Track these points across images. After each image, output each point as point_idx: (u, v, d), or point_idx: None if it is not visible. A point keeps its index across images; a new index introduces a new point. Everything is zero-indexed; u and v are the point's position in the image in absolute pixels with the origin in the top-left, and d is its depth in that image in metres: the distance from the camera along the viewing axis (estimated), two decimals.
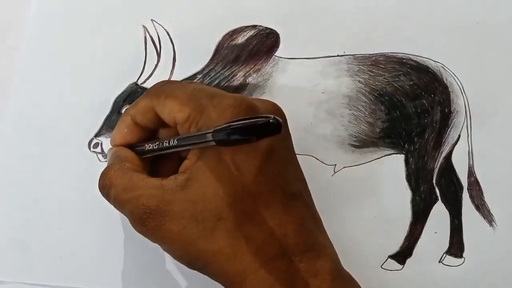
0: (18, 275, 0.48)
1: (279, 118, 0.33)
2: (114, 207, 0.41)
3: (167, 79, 0.51)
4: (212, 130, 0.35)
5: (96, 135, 0.50)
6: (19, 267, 0.48)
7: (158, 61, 0.51)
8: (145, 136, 0.43)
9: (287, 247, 0.36)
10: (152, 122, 0.42)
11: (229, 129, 0.34)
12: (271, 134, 0.33)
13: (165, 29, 0.52)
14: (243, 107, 0.37)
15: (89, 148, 0.50)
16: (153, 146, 0.41)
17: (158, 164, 0.43)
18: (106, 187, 0.40)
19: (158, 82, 0.42)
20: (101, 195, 0.42)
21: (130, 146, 0.43)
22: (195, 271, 0.39)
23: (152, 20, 0.52)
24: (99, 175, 0.42)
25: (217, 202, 0.36)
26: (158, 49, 0.52)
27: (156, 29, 0.52)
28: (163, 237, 0.38)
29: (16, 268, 0.48)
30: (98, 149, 0.50)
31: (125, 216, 0.40)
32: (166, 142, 0.40)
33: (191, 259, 0.38)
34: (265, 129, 0.33)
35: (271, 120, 0.33)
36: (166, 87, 0.41)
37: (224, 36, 0.52)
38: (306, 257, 0.37)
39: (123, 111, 0.50)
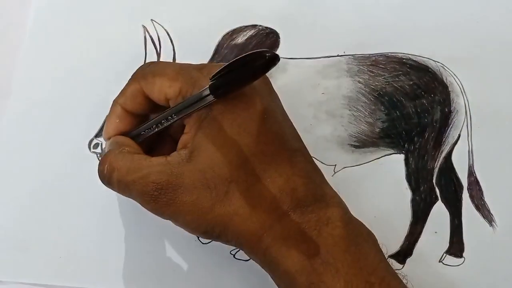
0: (18, 275, 0.48)
1: (274, 53, 0.34)
2: (118, 191, 0.41)
3: None
4: (208, 85, 0.36)
5: (96, 136, 0.50)
6: (19, 267, 0.48)
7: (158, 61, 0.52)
8: (137, 124, 0.43)
9: (298, 200, 0.37)
10: (143, 107, 0.42)
11: (224, 71, 0.36)
12: (269, 66, 0.35)
13: (165, 29, 0.52)
14: None
15: (89, 149, 0.50)
16: (149, 126, 0.41)
17: (152, 149, 0.44)
18: (107, 172, 0.40)
19: (141, 65, 0.43)
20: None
21: (125, 134, 0.43)
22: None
23: (152, 20, 0.52)
24: (98, 163, 0.42)
25: (226, 166, 0.37)
26: (158, 49, 0.52)
27: (156, 29, 0.52)
28: (177, 211, 0.38)
29: (16, 268, 0.48)
30: (98, 150, 0.50)
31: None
32: (162, 117, 0.40)
33: (208, 227, 0.38)
34: (262, 60, 0.35)
35: (267, 54, 0.34)
36: (152, 67, 0.41)
37: (224, 36, 0.52)
38: (316, 207, 0.37)
39: None
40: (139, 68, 0.43)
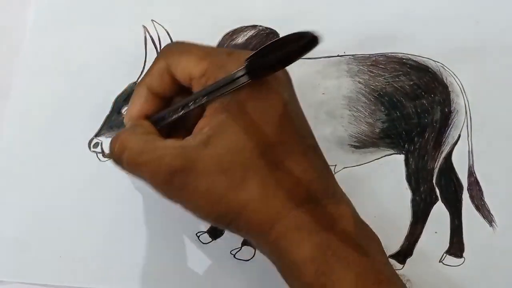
0: (18, 275, 0.48)
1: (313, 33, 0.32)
2: (127, 171, 0.39)
3: None
4: (245, 64, 0.35)
5: (96, 135, 0.50)
6: (19, 267, 0.48)
7: None
8: (161, 108, 0.41)
9: (312, 193, 0.37)
10: (169, 87, 0.40)
11: (260, 54, 0.35)
12: (309, 47, 0.33)
13: (165, 29, 0.52)
14: None
15: (89, 148, 0.50)
16: (175, 108, 0.39)
17: (170, 135, 0.42)
18: (117, 150, 0.39)
19: (169, 43, 0.42)
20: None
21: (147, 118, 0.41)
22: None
23: (152, 20, 0.52)
24: (110, 141, 0.40)
25: (245, 153, 0.36)
26: (159, 49, 0.52)
27: (156, 29, 0.52)
28: (190, 196, 0.37)
29: (16, 268, 0.48)
30: (98, 149, 0.50)
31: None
32: (191, 99, 0.38)
33: (221, 213, 0.37)
34: (302, 41, 0.33)
35: (308, 35, 0.32)
36: (180, 45, 0.40)
37: (224, 36, 0.52)
38: (329, 202, 0.37)
39: (123, 111, 0.50)
40: (166, 46, 0.41)
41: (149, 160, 0.37)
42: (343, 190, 0.40)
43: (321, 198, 0.37)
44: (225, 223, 0.38)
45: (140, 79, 0.42)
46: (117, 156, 0.39)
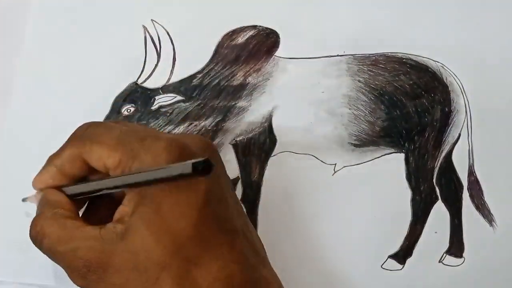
0: (18, 275, 0.48)
1: (211, 161, 0.32)
2: (50, 259, 0.38)
3: (167, 78, 0.51)
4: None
5: None
6: (19, 267, 0.48)
7: (158, 61, 0.51)
8: (71, 183, 0.40)
9: (234, 286, 0.36)
10: (82, 170, 0.39)
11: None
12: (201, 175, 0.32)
13: (165, 29, 0.52)
14: (176, 149, 0.36)
15: None
16: (87, 191, 0.39)
17: (90, 204, 0.42)
18: (38, 236, 0.38)
19: (80, 126, 0.40)
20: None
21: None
22: None
23: (152, 20, 0.52)
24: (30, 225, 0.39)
25: (159, 251, 0.35)
26: (158, 49, 0.52)
27: (156, 29, 0.52)
28: None
29: (16, 268, 0.48)
30: None
31: None
32: (104, 187, 0.38)
33: None
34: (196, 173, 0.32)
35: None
36: (90, 132, 0.39)
37: (224, 36, 0.52)
38: None
39: (123, 110, 0.50)
40: (77, 129, 0.40)
41: (65, 251, 0.36)
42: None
43: None
44: None
45: (51, 156, 0.40)
46: (38, 244, 0.38)
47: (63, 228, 0.37)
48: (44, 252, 0.38)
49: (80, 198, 0.40)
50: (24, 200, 0.44)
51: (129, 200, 0.36)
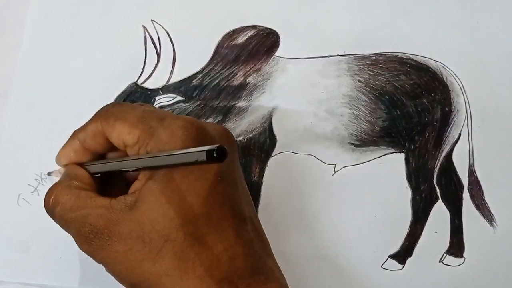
0: (18, 275, 0.48)
1: (225, 148, 0.32)
2: (60, 226, 0.39)
3: (167, 78, 0.51)
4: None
5: None
6: (19, 267, 0.48)
7: (158, 61, 0.51)
8: (92, 158, 0.42)
9: (235, 271, 0.36)
10: (102, 146, 0.41)
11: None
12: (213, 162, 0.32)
13: (165, 29, 0.52)
14: (194, 129, 0.37)
15: None
16: (106, 169, 0.41)
17: (107, 184, 0.43)
18: (51, 204, 0.39)
19: (107, 104, 0.42)
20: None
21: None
22: None
23: (152, 20, 0.52)
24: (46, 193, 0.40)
25: (165, 223, 0.35)
26: (158, 49, 0.52)
27: (156, 29, 0.52)
28: (108, 258, 0.37)
29: (16, 268, 0.48)
30: None
31: None
32: (121, 167, 0.39)
33: (135, 281, 0.36)
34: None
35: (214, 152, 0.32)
36: (115, 110, 0.40)
37: (224, 36, 0.52)
38: (254, 281, 0.36)
39: None
40: (104, 107, 0.42)
41: (76, 218, 0.38)
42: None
43: (244, 277, 0.36)
44: None
45: (75, 131, 0.42)
46: (50, 211, 0.40)
47: (76, 197, 0.38)
48: (55, 219, 0.40)
49: (98, 176, 0.42)
50: (49, 174, 0.47)
51: (143, 174, 0.38)
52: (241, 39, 0.52)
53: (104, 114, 0.40)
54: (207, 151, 0.32)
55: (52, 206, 0.39)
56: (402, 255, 0.48)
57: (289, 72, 0.51)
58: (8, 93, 0.52)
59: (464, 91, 0.51)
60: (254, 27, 0.52)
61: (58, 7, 0.53)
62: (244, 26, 0.52)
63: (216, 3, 0.53)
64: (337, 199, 0.49)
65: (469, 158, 0.50)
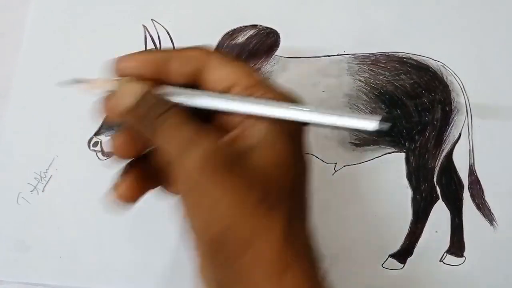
0: (18, 275, 0.48)
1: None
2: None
3: None
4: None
5: (96, 134, 0.50)
6: (19, 267, 0.48)
7: None
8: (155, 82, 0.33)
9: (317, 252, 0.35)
10: (184, 78, 0.32)
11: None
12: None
13: (165, 29, 0.52)
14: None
15: (89, 147, 0.50)
16: (205, 105, 0.32)
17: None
18: (182, 148, 0.30)
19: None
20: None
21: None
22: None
23: (152, 20, 0.52)
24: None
25: (286, 183, 0.31)
26: (158, 49, 0.52)
27: (156, 29, 0.52)
28: (214, 199, 0.30)
29: (16, 268, 0.48)
30: (98, 148, 0.50)
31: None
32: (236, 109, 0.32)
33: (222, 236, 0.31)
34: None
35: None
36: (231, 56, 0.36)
37: (224, 35, 0.52)
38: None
39: None
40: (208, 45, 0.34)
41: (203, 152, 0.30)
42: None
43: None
44: (217, 250, 0.32)
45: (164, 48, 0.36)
46: (177, 157, 0.31)
47: (194, 133, 0.31)
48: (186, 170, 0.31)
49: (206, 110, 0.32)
50: (78, 81, 0.36)
51: (259, 130, 0.31)
52: (241, 39, 0.52)
53: (218, 52, 0.35)
54: (381, 119, 0.29)
55: (182, 150, 0.30)
56: (403, 254, 0.48)
57: (289, 72, 0.51)
58: (8, 93, 0.52)
59: (464, 91, 0.51)
60: (254, 26, 0.52)
61: (58, 7, 0.53)
62: (244, 26, 0.52)
63: (216, 3, 0.53)
64: (337, 199, 0.49)
65: (470, 158, 0.50)
